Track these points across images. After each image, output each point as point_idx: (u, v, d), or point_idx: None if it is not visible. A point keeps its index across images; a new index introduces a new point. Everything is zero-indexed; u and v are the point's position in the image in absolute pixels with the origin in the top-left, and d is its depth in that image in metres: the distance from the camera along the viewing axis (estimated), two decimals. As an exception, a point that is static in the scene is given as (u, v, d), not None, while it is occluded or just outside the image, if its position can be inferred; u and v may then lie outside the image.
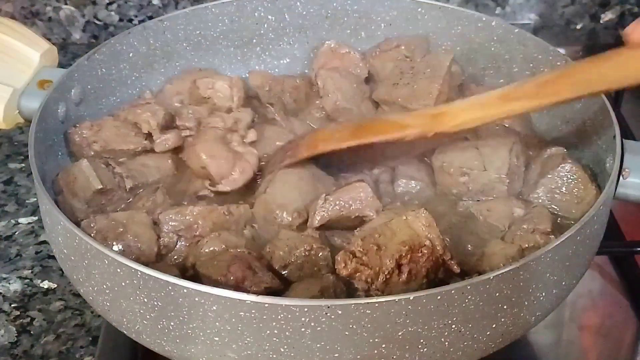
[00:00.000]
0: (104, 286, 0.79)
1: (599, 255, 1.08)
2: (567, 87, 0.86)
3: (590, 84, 0.86)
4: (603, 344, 1.05)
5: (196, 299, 0.73)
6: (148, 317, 0.77)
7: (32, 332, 1.02)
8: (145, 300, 0.76)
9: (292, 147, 1.00)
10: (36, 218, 1.19)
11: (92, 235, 0.86)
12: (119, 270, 0.76)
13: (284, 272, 0.86)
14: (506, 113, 0.91)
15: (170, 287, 0.74)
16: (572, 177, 0.93)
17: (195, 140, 0.99)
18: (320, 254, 0.87)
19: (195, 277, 0.85)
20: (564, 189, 0.93)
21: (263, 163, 1.02)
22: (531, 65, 1.09)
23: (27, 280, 1.09)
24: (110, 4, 1.57)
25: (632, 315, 1.06)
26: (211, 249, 0.87)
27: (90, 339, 1.00)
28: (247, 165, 0.97)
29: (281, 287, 0.84)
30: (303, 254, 0.87)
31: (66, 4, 1.56)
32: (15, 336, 1.01)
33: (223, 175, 0.96)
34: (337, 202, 0.90)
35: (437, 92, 1.04)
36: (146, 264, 0.80)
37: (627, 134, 1.29)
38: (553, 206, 0.94)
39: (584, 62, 0.87)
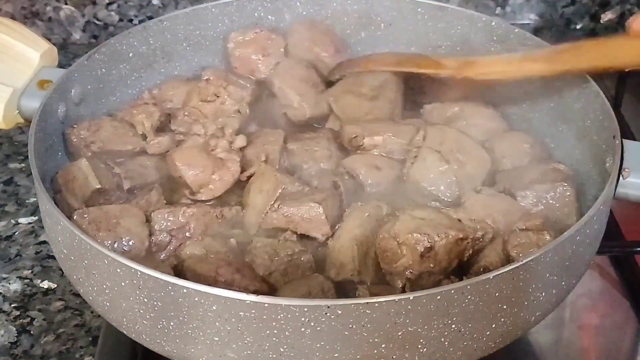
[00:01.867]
0: (104, 286, 0.79)
1: (599, 255, 1.08)
2: (577, 58, 1.00)
3: (596, 60, 0.98)
4: (603, 344, 1.05)
5: (196, 299, 0.73)
6: (148, 317, 0.77)
7: (32, 332, 1.02)
8: (145, 300, 0.76)
9: (352, 62, 1.13)
10: (36, 218, 1.19)
11: (83, 226, 0.86)
12: (118, 270, 0.76)
13: (269, 279, 0.86)
14: (524, 72, 1.03)
15: (170, 287, 0.74)
16: (564, 200, 0.93)
17: (172, 149, 0.99)
18: (303, 257, 0.87)
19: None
20: (552, 202, 0.93)
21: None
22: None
23: (27, 280, 1.09)
24: (110, 4, 1.57)
25: (632, 315, 1.06)
26: (191, 252, 0.87)
27: (90, 339, 1.00)
28: (227, 172, 0.96)
29: (268, 290, 0.84)
30: (285, 259, 0.86)
31: (66, 4, 1.56)
32: (15, 336, 1.01)
33: (201, 183, 0.95)
34: (287, 215, 0.90)
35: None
36: (135, 258, 0.80)
37: (627, 134, 1.29)
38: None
39: (595, 40, 1.07)
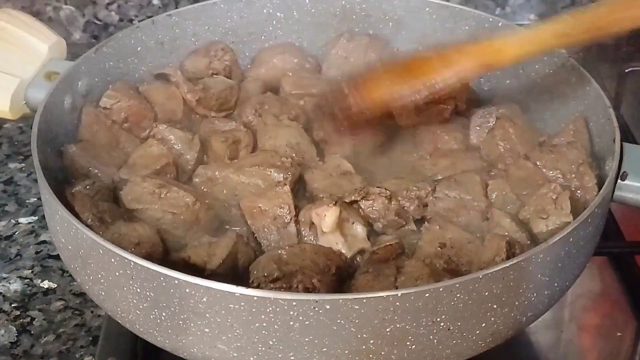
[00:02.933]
0: (99, 276, 0.80)
1: (599, 255, 1.08)
2: (603, 18, 0.92)
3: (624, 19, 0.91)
4: (603, 344, 1.04)
5: (187, 290, 0.74)
6: (141, 307, 0.78)
7: (32, 332, 1.02)
8: (138, 290, 0.77)
9: (344, 103, 0.98)
10: (36, 218, 1.19)
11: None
12: (112, 260, 0.77)
13: None
14: (556, 46, 0.98)
15: (162, 278, 0.75)
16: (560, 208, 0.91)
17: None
18: None
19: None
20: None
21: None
22: (537, 66, 1.08)
23: (27, 280, 1.09)
24: (110, 4, 1.57)
25: (632, 315, 1.06)
26: None
27: (91, 339, 1.01)
28: None
29: None
30: None
31: (66, 3, 1.57)
32: (16, 336, 1.01)
33: None
34: None
35: None
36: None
37: (627, 136, 1.27)
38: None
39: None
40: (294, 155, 1.01)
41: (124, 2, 1.57)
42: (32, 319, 1.04)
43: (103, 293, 0.82)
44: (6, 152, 1.33)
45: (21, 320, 1.03)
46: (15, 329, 1.02)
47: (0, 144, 1.35)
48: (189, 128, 1.07)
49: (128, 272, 0.76)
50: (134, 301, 0.78)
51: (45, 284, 1.08)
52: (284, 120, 1.06)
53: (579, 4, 1.58)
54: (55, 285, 1.08)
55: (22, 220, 1.19)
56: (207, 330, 0.75)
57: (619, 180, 0.88)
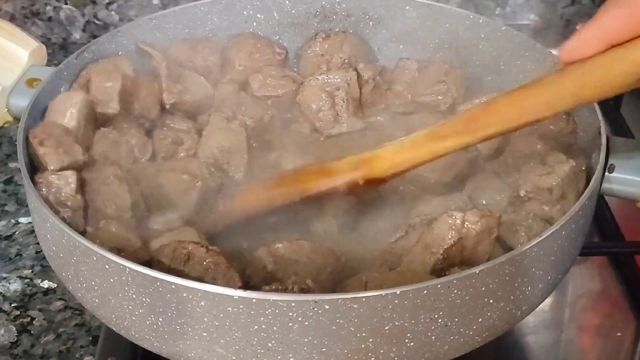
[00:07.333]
0: (93, 283, 0.80)
1: (599, 255, 1.10)
2: (495, 120, 0.81)
3: (520, 115, 0.79)
4: (603, 344, 1.04)
5: (184, 295, 0.73)
6: (137, 313, 0.77)
7: (32, 332, 1.02)
8: (134, 296, 0.76)
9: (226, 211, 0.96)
10: None
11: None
12: (107, 266, 0.76)
13: None
14: (437, 152, 0.84)
15: (158, 283, 0.74)
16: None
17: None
18: None
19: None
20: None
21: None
22: (518, 62, 1.09)
23: (27, 280, 1.09)
24: (110, 3, 1.57)
25: (632, 315, 1.06)
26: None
27: (90, 338, 1.01)
28: None
29: None
30: None
31: (66, 3, 1.56)
32: (16, 336, 1.01)
33: None
34: None
35: None
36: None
37: (627, 134, 1.29)
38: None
39: (513, 91, 0.80)
40: (219, 159, 1.00)
41: (124, 2, 1.57)
42: (32, 318, 1.03)
43: (97, 300, 0.81)
44: (6, 152, 1.33)
45: (21, 320, 1.03)
46: (15, 329, 1.02)
47: (0, 143, 1.34)
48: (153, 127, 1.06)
49: (123, 278, 0.76)
50: (130, 307, 0.78)
51: (45, 284, 1.08)
52: (233, 124, 1.03)
53: (578, 3, 1.59)
54: (55, 285, 1.08)
55: (22, 220, 1.19)
56: (205, 334, 0.75)
57: (606, 173, 0.89)
